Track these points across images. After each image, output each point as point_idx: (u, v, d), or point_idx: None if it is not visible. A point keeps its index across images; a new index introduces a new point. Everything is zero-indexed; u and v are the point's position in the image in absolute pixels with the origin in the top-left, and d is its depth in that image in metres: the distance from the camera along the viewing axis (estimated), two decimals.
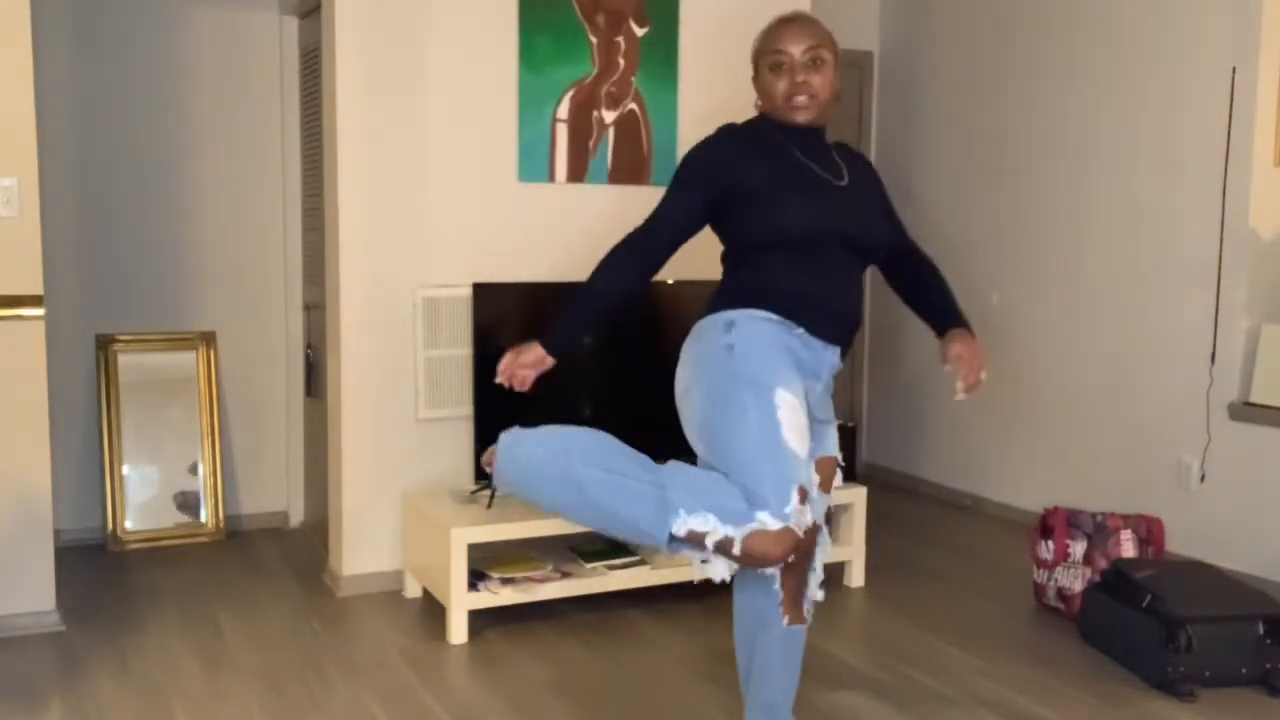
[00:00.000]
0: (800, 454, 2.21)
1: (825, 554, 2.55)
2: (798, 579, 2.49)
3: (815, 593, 2.55)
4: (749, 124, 2.50)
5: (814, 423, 2.40)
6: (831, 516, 4.28)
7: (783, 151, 2.40)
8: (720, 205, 2.40)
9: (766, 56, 2.40)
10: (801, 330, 2.34)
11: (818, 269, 2.35)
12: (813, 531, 2.45)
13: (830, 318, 2.37)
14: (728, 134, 2.47)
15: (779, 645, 2.51)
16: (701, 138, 2.48)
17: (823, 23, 2.44)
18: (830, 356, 2.40)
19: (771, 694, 2.56)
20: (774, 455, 2.16)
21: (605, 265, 2.40)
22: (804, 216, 2.33)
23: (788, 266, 2.34)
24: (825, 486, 2.47)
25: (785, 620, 2.48)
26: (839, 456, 2.51)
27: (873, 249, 2.45)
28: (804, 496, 2.18)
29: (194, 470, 4.77)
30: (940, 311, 2.62)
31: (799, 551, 2.29)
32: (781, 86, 2.37)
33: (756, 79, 2.45)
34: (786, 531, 2.12)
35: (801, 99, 2.36)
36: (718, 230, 2.46)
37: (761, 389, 2.22)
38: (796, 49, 2.36)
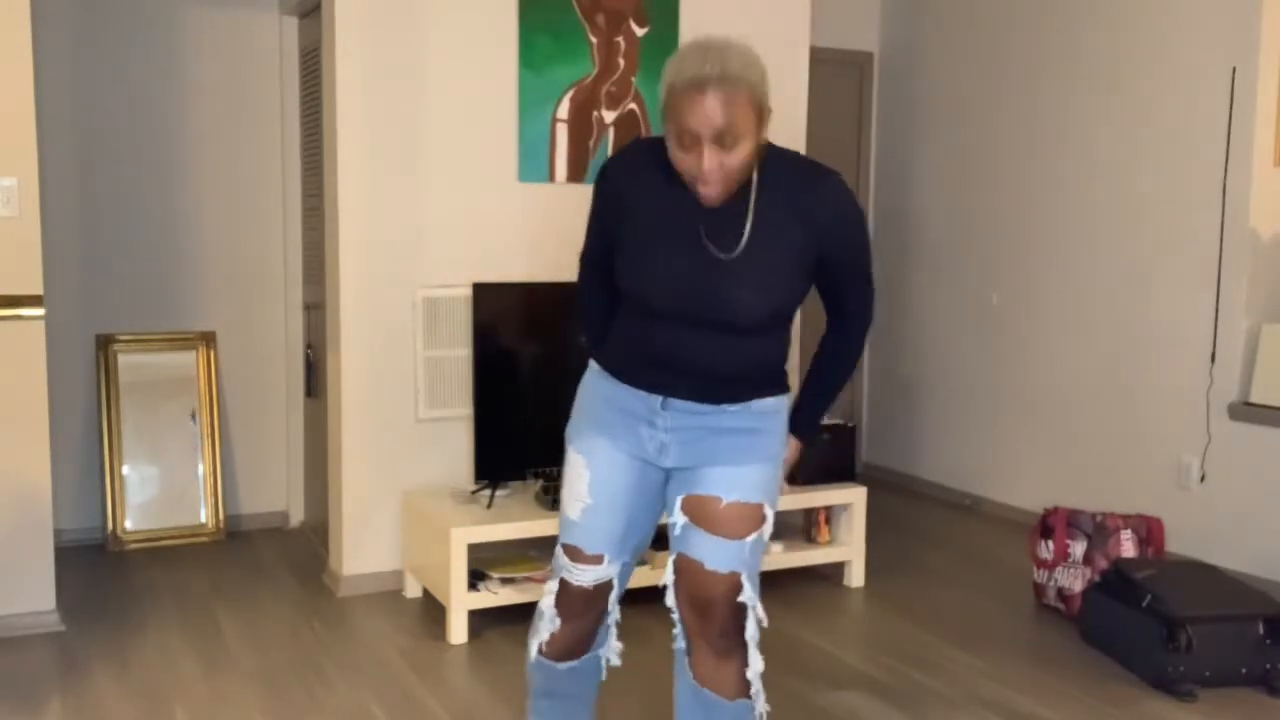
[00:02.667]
0: (570, 515, 2.26)
1: (758, 620, 2.24)
2: (710, 631, 2.22)
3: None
4: (664, 149, 2.10)
5: (680, 470, 2.21)
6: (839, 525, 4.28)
7: (676, 199, 2.08)
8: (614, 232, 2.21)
9: (671, 121, 1.98)
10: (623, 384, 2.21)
11: (665, 333, 2.14)
12: (604, 587, 2.27)
13: (664, 374, 2.16)
14: (633, 155, 2.20)
15: (686, 702, 2.31)
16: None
17: (746, 79, 1.95)
18: (675, 404, 2.17)
19: None
20: (560, 519, 2.31)
21: (582, 315, 2.37)
22: (650, 287, 2.11)
23: (636, 320, 2.19)
24: (711, 525, 2.16)
25: (690, 674, 2.27)
26: (746, 499, 2.17)
27: (737, 327, 2.10)
28: (575, 555, 2.25)
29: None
30: (805, 396, 2.33)
31: (582, 601, 2.28)
32: (686, 164, 2.00)
33: (664, 128, 2.04)
34: (559, 585, 2.29)
35: (710, 191, 2.00)
36: None
37: (567, 449, 2.29)
38: (707, 129, 1.94)
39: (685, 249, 2.08)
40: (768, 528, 2.21)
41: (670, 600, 2.26)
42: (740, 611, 2.20)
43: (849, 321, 2.26)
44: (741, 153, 1.98)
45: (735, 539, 2.16)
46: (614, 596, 2.32)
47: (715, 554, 2.16)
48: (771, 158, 2.10)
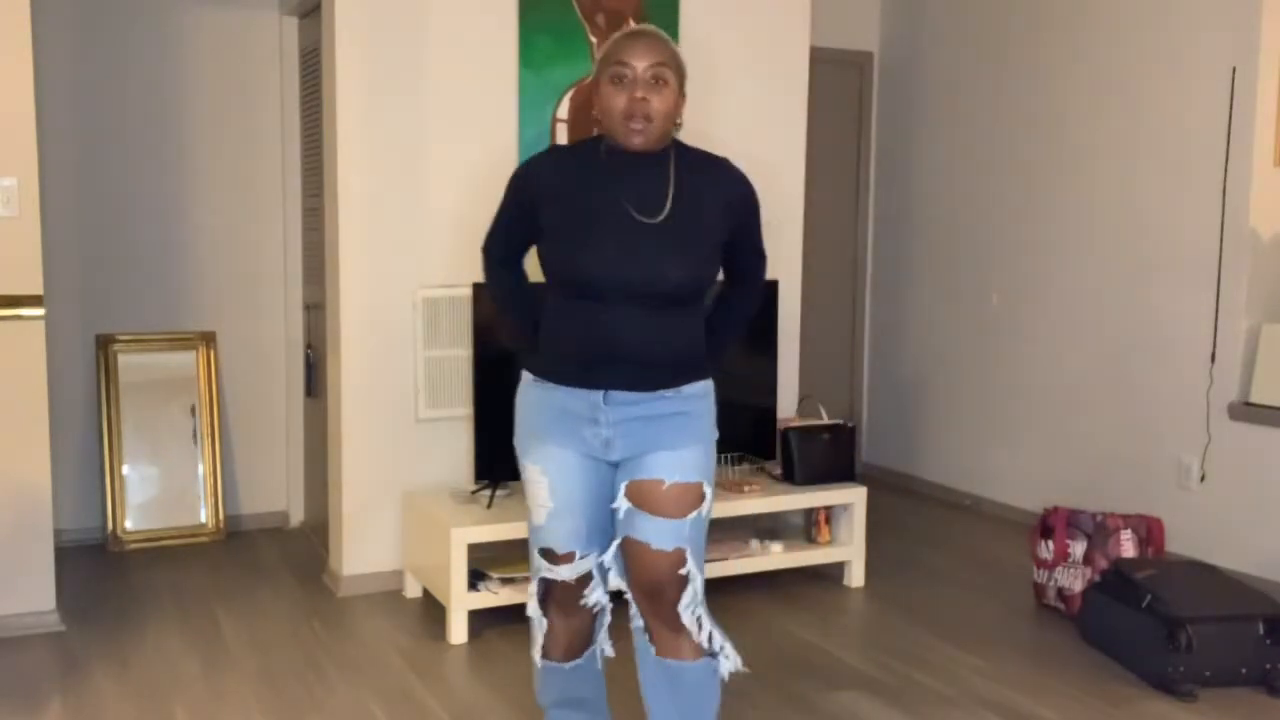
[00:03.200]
0: (536, 521, 2.40)
1: (695, 595, 2.36)
2: (662, 610, 2.35)
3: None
4: (581, 145, 2.43)
5: (629, 460, 2.33)
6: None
7: (598, 182, 2.31)
8: (531, 227, 2.39)
9: (608, 67, 2.27)
10: (561, 386, 2.35)
11: (599, 315, 2.27)
12: (583, 579, 2.41)
13: (600, 364, 2.29)
14: (552, 155, 2.49)
15: (649, 673, 2.42)
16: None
17: (673, 43, 2.33)
18: (618, 397, 2.30)
19: None
20: (529, 527, 2.46)
21: (492, 293, 2.61)
22: (586, 260, 2.26)
23: (568, 311, 2.32)
24: (653, 507, 2.30)
25: (653, 649, 2.39)
26: (686, 480, 2.31)
27: (667, 295, 2.27)
28: (550, 557, 2.40)
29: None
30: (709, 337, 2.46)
31: (573, 594, 2.43)
32: (620, 103, 2.25)
33: (596, 91, 2.32)
34: (546, 585, 2.44)
35: (638, 123, 2.24)
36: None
37: (520, 465, 2.43)
38: (640, 64, 2.24)
39: (613, 220, 2.28)
40: (707, 505, 2.37)
41: (619, 582, 2.40)
42: (684, 586, 2.34)
43: (748, 285, 2.53)
44: (666, 99, 2.27)
45: (677, 518, 2.31)
46: (595, 584, 2.44)
47: (659, 534, 2.31)
48: (679, 146, 2.38)
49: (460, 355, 4.16)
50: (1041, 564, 4.02)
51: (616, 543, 2.37)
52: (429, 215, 4.12)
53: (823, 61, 5.63)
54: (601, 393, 2.30)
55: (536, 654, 2.51)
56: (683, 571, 2.32)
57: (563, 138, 4.28)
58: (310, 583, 4.24)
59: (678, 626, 2.36)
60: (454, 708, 3.15)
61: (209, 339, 4.86)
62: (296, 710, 3.12)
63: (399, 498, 4.13)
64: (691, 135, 2.80)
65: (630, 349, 2.28)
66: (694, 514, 2.33)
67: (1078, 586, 3.88)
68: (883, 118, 6.23)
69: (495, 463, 3.95)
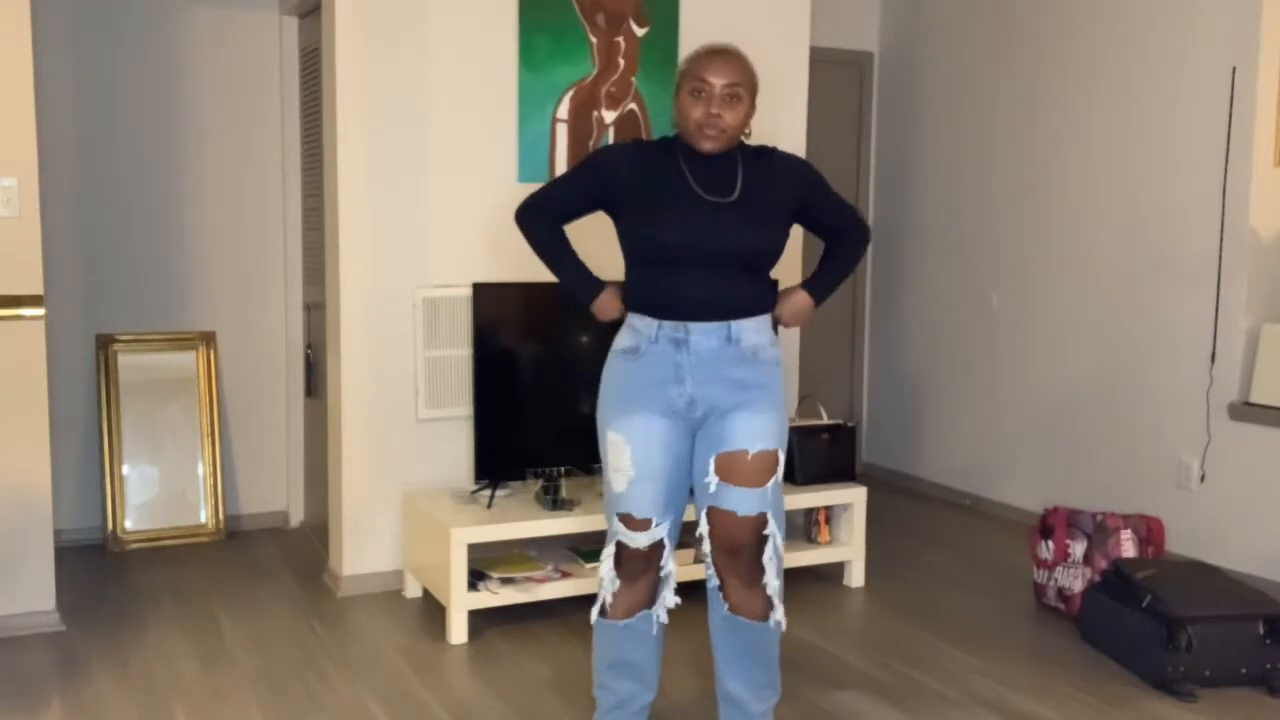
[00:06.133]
0: (617, 489, 2.58)
1: (776, 550, 2.60)
2: (740, 567, 2.58)
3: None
4: (659, 141, 2.69)
5: (704, 421, 2.58)
6: (841, 512, 4.28)
7: (674, 170, 2.58)
8: (607, 209, 2.65)
9: (689, 81, 2.53)
10: (647, 343, 2.56)
11: (673, 276, 2.54)
12: (657, 547, 2.61)
13: (687, 307, 2.54)
14: (634, 146, 2.71)
15: (721, 629, 2.66)
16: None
17: (749, 62, 2.57)
18: (700, 343, 2.53)
19: (731, 685, 2.69)
20: (605, 494, 2.66)
21: (539, 241, 2.73)
22: (665, 233, 2.51)
23: (646, 277, 2.59)
24: (741, 480, 2.54)
25: (725, 606, 2.62)
26: (766, 447, 2.54)
27: (736, 260, 2.54)
28: (629, 522, 2.57)
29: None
30: (819, 270, 2.79)
31: (641, 561, 2.61)
32: (697, 114, 2.51)
33: (676, 99, 2.58)
34: (620, 549, 2.61)
35: (712, 131, 2.51)
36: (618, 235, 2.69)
37: (601, 433, 2.63)
38: (718, 81, 2.50)
39: (689, 200, 2.54)
40: (781, 469, 2.60)
41: (705, 547, 2.60)
42: (765, 543, 2.57)
43: (847, 232, 2.77)
44: (739, 113, 2.53)
45: (760, 487, 2.54)
46: (668, 553, 2.63)
47: (745, 503, 2.54)
48: (743, 144, 2.66)
49: (460, 355, 4.16)
50: (1041, 564, 4.02)
51: (703, 512, 2.58)
52: (429, 215, 4.12)
53: (823, 61, 5.63)
54: (683, 337, 2.52)
55: (595, 613, 2.67)
56: (766, 532, 2.56)
57: (562, 138, 4.28)
58: (310, 583, 4.24)
59: (750, 581, 2.58)
60: (454, 708, 3.15)
61: (209, 339, 4.86)
62: (296, 710, 3.12)
63: (399, 498, 4.13)
64: None
65: (700, 300, 2.52)
66: (773, 480, 2.57)
67: (1078, 586, 3.88)
68: (883, 118, 6.24)
69: (495, 463, 3.96)
